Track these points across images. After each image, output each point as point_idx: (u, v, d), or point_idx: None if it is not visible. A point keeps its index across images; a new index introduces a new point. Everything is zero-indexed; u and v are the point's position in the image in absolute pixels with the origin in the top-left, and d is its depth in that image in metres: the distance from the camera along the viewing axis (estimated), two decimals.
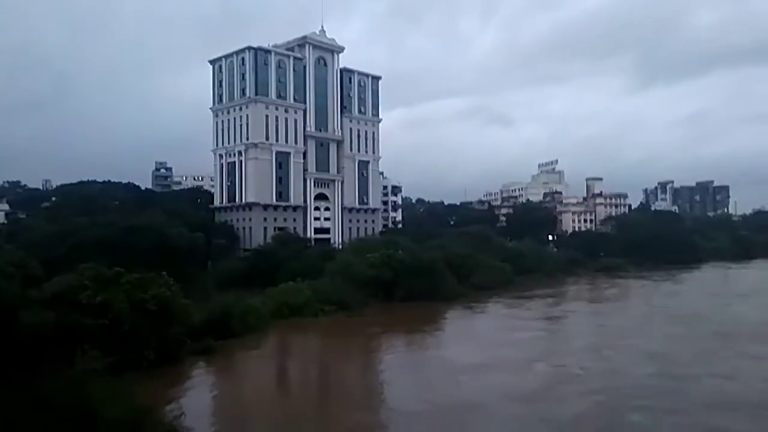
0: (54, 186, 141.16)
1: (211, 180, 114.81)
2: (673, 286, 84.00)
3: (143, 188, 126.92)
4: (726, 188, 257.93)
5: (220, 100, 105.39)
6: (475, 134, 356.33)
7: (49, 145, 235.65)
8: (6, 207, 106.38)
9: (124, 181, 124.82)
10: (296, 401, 32.04)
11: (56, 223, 67.42)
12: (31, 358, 26.91)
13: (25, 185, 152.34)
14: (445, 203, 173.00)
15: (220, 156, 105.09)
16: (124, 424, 20.59)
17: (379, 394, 32.63)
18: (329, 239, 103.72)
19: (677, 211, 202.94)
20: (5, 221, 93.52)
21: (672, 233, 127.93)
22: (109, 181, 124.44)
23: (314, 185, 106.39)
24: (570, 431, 23.96)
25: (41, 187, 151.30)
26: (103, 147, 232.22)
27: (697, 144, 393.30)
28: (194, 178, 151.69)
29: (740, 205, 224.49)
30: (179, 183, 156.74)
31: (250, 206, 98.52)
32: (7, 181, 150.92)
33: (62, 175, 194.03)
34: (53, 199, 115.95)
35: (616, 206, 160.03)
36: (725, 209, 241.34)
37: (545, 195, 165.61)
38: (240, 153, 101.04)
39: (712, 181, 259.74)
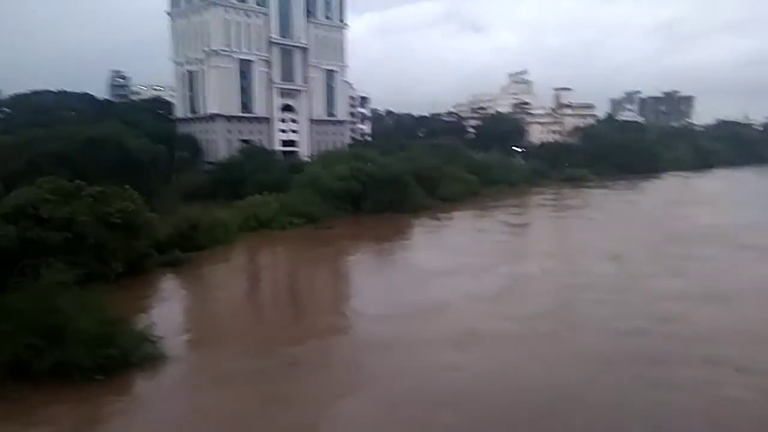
0: (5, 96, 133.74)
1: (172, 90, 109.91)
2: (634, 195, 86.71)
3: (100, 98, 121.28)
4: (691, 98, 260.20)
5: (177, 3, 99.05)
6: (446, 43, 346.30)
7: None
8: None
9: (79, 91, 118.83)
10: (266, 309, 32.98)
11: (11, 135, 64.46)
12: None
13: None
14: (414, 115, 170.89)
15: (180, 64, 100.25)
16: (94, 334, 20.91)
17: (349, 299, 33.77)
18: (296, 152, 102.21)
19: (643, 121, 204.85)
20: None
21: (635, 143, 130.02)
22: (64, 91, 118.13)
23: (280, 96, 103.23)
24: (529, 325, 25.82)
25: None
26: (51, 52, 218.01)
27: (667, 54, 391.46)
28: (153, 88, 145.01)
29: (705, 115, 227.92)
30: (138, 93, 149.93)
31: (213, 118, 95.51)
32: None
33: (11, 85, 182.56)
34: (5, 109, 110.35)
35: (583, 117, 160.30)
36: (689, 119, 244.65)
37: (514, 106, 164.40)
38: (200, 61, 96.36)
39: (677, 92, 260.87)
